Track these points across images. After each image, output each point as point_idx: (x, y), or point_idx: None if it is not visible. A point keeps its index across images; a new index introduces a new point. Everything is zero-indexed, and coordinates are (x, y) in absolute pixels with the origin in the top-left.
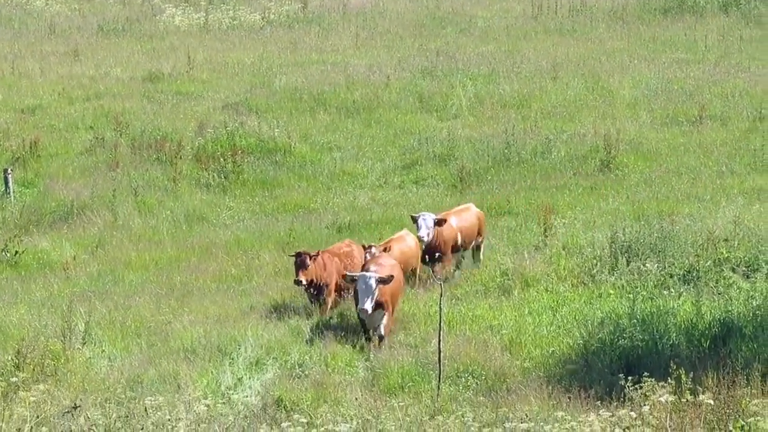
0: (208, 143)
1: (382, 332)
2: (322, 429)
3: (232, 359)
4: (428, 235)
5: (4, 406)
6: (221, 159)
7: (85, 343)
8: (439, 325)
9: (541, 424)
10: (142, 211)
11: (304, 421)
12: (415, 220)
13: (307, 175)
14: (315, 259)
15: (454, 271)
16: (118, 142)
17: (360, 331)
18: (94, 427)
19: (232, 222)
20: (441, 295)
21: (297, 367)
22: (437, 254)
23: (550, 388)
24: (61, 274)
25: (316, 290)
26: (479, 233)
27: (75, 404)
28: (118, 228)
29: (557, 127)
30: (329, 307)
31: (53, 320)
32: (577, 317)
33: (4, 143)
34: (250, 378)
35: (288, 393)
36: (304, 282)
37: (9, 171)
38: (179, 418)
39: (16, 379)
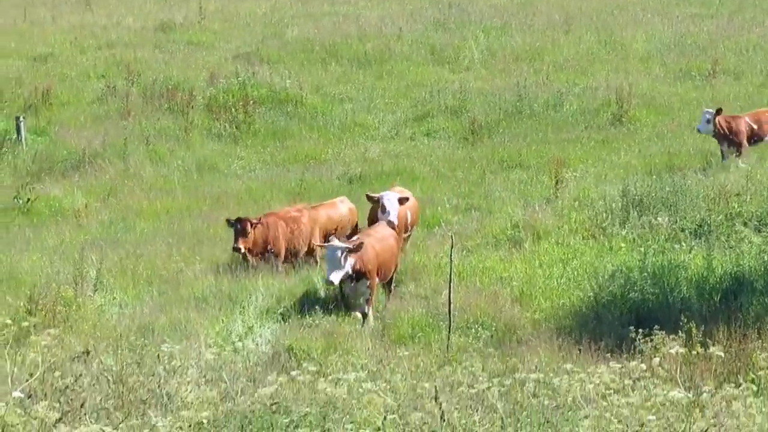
0: (219, 93)
1: (366, 309)
2: (332, 377)
3: (243, 308)
4: (396, 217)
5: (16, 351)
6: (233, 109)
7: (96, 291)
8: (450, 276)
9: (551, 375)
10: (153, 160)
11: (314, 369)
12: (375, 200)
13: (319, 126)
14: (256, 225)
15: None
16: (130, 92)
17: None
18: (106, 373)
19: (243, 172)
20: (451, 247)
21: (307, 316)
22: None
23: (560, 340)
24: (72, 221)
25: (261, 256)
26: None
27: (87, 350)
28: (130, 177)
29: (569, 80)
30: (279, 269)
31: (65, 267)
32: (587, 270)
33: (17, 91)
34: (260, 327)
35: (298, 342)
36: (243, 249)
37: (21, 119)
38: (190, 366)
39: (28, 323)
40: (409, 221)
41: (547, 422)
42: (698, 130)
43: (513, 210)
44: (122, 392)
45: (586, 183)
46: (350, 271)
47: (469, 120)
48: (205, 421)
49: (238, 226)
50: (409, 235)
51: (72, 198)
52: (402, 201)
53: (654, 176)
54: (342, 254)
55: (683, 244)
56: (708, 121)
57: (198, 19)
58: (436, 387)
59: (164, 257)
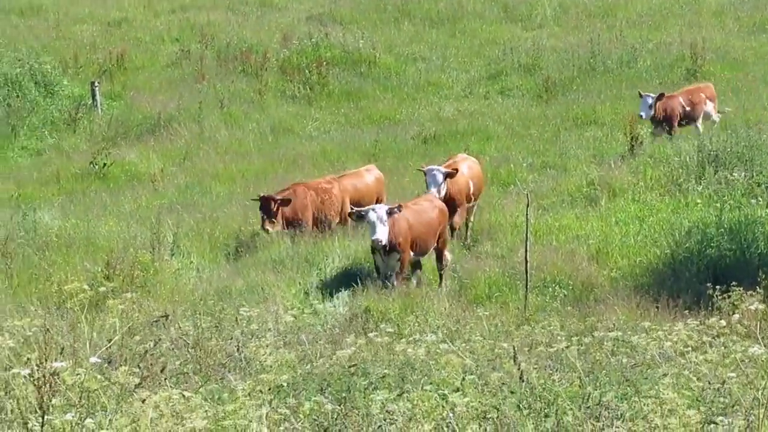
0: (293, 55)
1: (395, 281)
2: (410, 339)
3: (320, 270)
4: (439, 192)
5: (95, 316)
6: (306, 71)
7: (173, 255)
8: (526, 235)
9: (629, 333)
10: (228, 123)
11: (391, 330)
12: (424, 172)
13: (392, 86)
14: (280, 202)
15: (467, 225)
16: (204, 55)
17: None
18: (184, 337)
19: (318, 133)
20: (527, 205)
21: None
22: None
23: (638, 297)
24: (148, 186)
25: (290, 226)
26: (480, 190)
27: (165, 314)
28: (205, 140)
29: (643, 36)
30: (306, 237)
31: (142, 232)
32: (664, 227)
33: (91, 56)
34: (337, 289)
35: (375, 303)
36: (272, 231)
37: (96, 84)
38: (268, 329)
39: (105, 288)
40: (471, 191)
41: (626, 380)
42: (641, 116)
43: (588, 167)
44: (201, 356)
45: (661, 139)
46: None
47: (542, 77)
48: (284, 384)
49: (263, 207)
50: (473, 205)
51: (148, 162)
52: (450, 175)
53: (729, 131)
54: (386, 214)
55: (760, 199)
56: (650, 107)
57: None
58: (514, 347)
59: (240, 220)
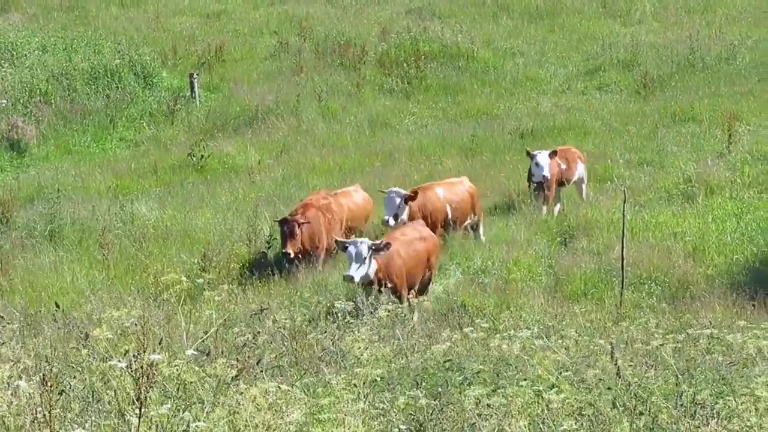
0: (391, 48)
1: (404, 302)
2: (505, 334)
3: None
4: (395, 218)
5: (191, 307)
6: (404, 64)
7: (270, 247)
8: (622, 231)
9: (725, 331)
10: (325, 116)
11: (487, 326)
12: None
13: (490, 80)
14: (303, 225)
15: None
16: (302, 47)
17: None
18: (281, 329)
19: (415, 128)
20: (624, 202)
21: (480, 272)
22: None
23: (734, 295)
24: (246, 178)
25: (305, 255)
26: (473, 211)
27: (262, 306)
28: (302, 133)
29: (742, 32)
30: (320, 267)
31: (239, 224)
32: (761, 225)
33: (190, 48)
34: (433, 283)
35: (471, 298)
36: (293, 254)
37: (195, 76)
38: (363, 323)
39: (202, 279)
40: (450, 216)
41: (722, 379)
42: (544, 177)
43: (685, 164)
44: (297, 349)
45: (759, 136)
46: (372, 277)
47: (641, 73)
48: (378, 378)
49: (286, 229)
50: (467, 226)
51: (245, 155)
52: (409, 198)
53: None
54: (367, 251)
55: None
56: (544, 166)
57: None
58: (612, 343)
59: None
